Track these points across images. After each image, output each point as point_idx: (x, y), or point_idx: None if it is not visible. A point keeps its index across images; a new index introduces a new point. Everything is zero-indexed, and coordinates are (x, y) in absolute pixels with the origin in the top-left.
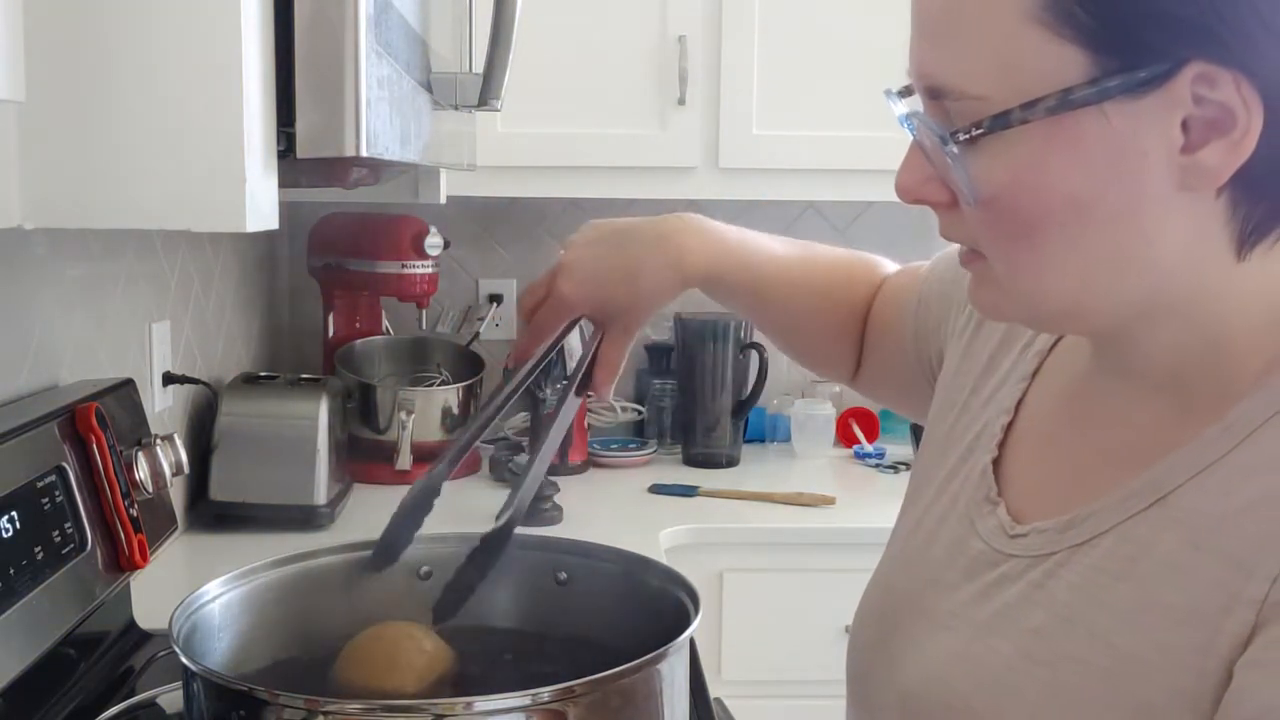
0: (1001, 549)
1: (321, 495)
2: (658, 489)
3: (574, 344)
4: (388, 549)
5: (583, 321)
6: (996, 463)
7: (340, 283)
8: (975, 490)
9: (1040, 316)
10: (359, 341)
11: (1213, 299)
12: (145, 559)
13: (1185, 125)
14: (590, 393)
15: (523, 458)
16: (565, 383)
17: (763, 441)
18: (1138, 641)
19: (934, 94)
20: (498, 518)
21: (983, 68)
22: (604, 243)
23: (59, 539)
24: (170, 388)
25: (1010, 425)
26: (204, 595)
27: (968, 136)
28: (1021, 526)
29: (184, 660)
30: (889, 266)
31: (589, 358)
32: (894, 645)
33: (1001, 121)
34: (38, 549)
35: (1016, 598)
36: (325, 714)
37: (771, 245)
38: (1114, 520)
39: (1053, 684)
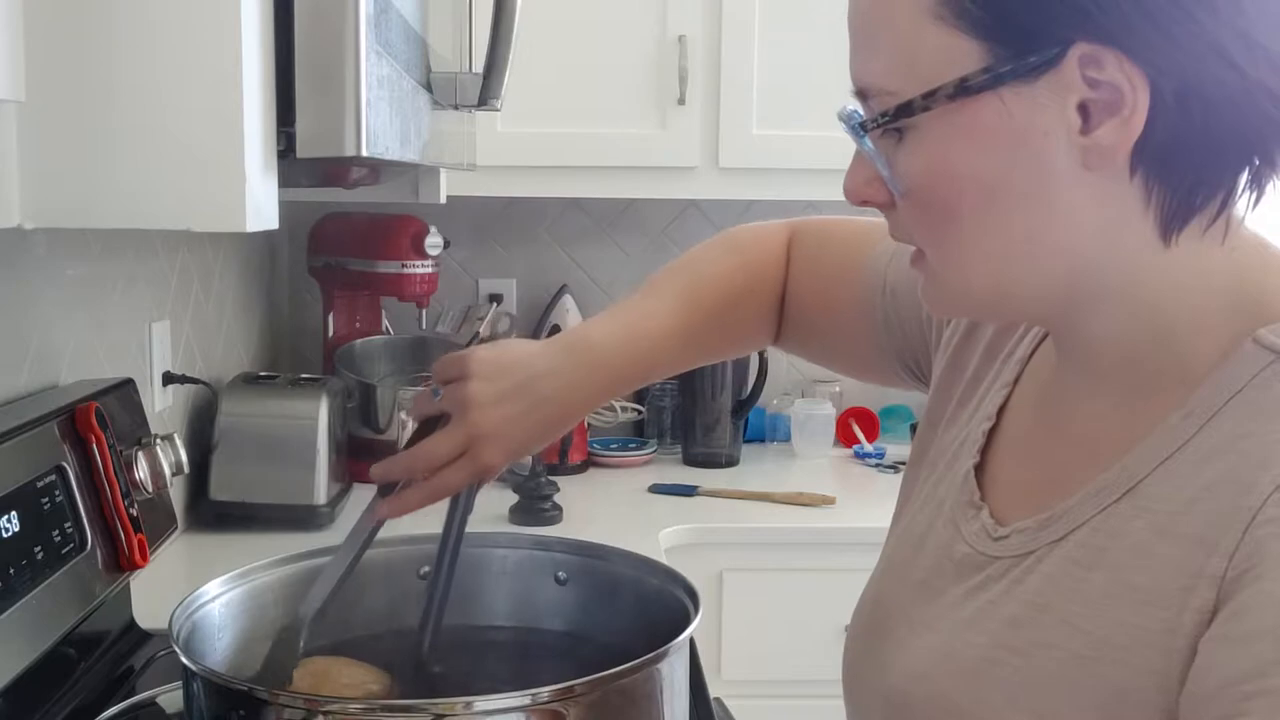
0: (985, 551)
1: (321, 495)
2: (658, 489)
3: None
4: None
5: None
6: (979, 468)
7: (340, 283)
8: (959, 495)
9: (973, 305)
10: (359, 341)
11: (1147, 285)
12: (145, 559)
13: (1085, 108)
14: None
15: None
16: (446, 548)
17: (763, 441)
18: (1108, 625)
19: (862, 96)
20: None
21: (893, 65)
22: (513, 402)
23: (59, 539)
24: (170, 387)
25: (993, 431)
26: (204, 595)
27: (876, 126)
28: (1004, 528)
29: (184, 660)
30: (772, 230)
31: (467, 512)
32: (882, 649)
33: (905, 110)
34: (38, 549)
35: (997, 595)
36: (325, 714)
37: (661, 318)
38: (1089, 514)
39: (1028, 671)
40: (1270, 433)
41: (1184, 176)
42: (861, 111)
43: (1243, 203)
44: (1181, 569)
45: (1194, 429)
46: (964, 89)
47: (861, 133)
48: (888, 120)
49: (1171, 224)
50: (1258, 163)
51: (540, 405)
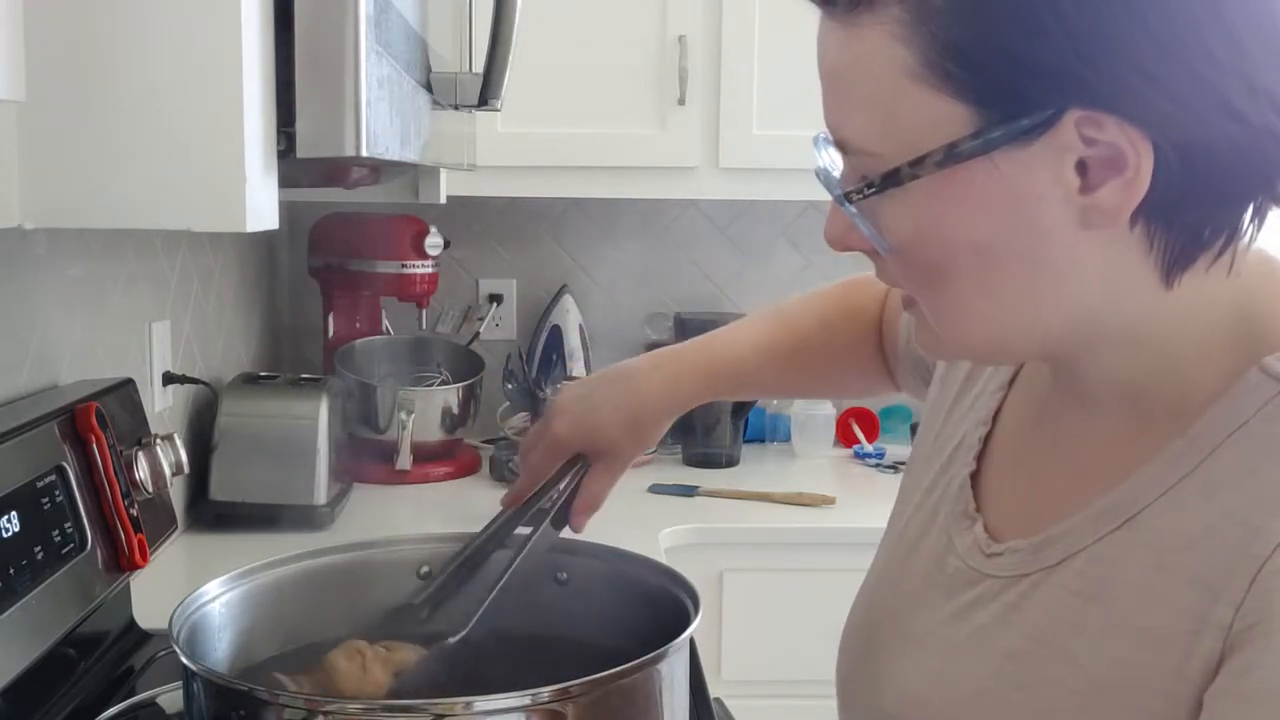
0: (978, 568)
1: (321, 495)
2: (658, 489)
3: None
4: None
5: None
6: (975, 475)
7: (340, 283)
8: (954, 504)
9: (971, 353)
10: (359, 341)
11: (1149, 325)
12: (145, 559)
13: (1083, 166)
14: (568, 526)
15: None
16: (542, 511)
17: (763, 441)
18: (1107, 664)
19: (840, 147)
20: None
21: (872, 125)
22: (593, 381)
23: (59, 539)
24: (170, 388)
25: (988, 436)
26: (204, 595)
27: (861, 196)
28: (997, 545)
29: (184, 660)
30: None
31: (570, 490)
32: (874, 663)
33: (892, 180)
34: (38, 549)
35: (991, 619)
36: (325, 714)
37: (757, 333)
38: (1086, 541)
39: (1026, 707)
40: (1278, 474)
41: (1187, 224)
42: (830, 163)
43: (1245, 235)
44: (1185, 611)
45: (1197, 460)
46: (954, 155)
47: (845, 202)
48: (873, 191)
49: (1174, 268)
50: (1261, 199)
51: (613, 384)
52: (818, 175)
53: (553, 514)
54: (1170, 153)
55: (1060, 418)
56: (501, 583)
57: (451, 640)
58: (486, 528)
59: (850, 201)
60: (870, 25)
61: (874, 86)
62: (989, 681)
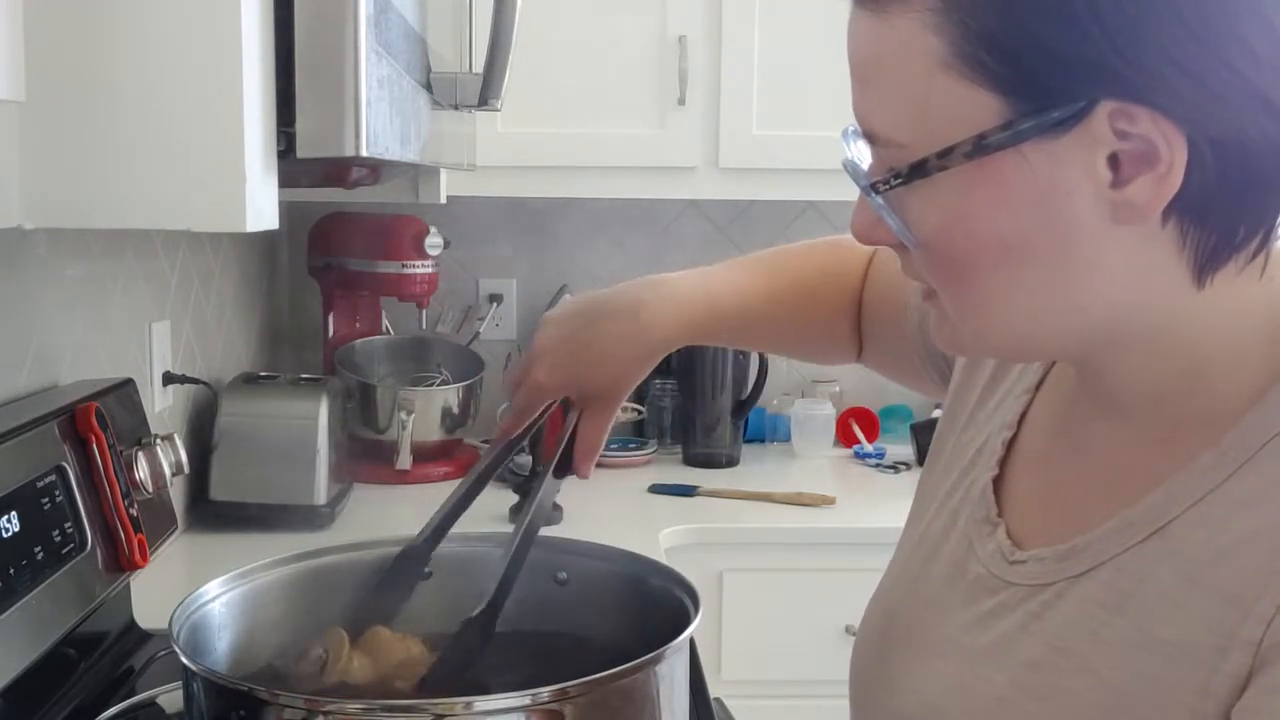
0: (1000, 575)
1: (321, 495)
2: (658, 489)
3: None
4: (376, 614)
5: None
6: (998, 480)
7: (340, 283)
8: (975, 508)
9: (994, 350)
10: (359, 341)
11: (1178, 327)
12: (145, 559)
13: (1115, 160)
14: (571, 474)
15: (524, 458)
16: (543, 466)
17: (763, 441)
18: (1131, 677)
19: (868, 138)
20: (480, 604)
21: (901, 115)
22: (573, 321)
23: (59, 539)
24: (170, 388)
25: (1013, 440)
26: (204, 595)
27: (888, 187)
28: (1021, 553)
29: (184, 660)
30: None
31: (567, 438)
32: (890, 667)
33: (919, 171)
34: (38, 549)
35: (1013, 628)
36: (325, 714)
37: (738, 280)
38: (1112, 551)
39: (1046, 717)
40: None
41: (1220, 222)
42: (858, 155)
43: None
44: (1213, 627)
45: (1228, 471)
46: (982, 146)
47: (871, 192)
48: (900, 181)
49: (1206, 268)
50: None
51: (591, 324)
52: (845, 167)
53: (554, 465)
54: (1205, 148)
55: (1086, 423)
56: (514, 547)
57: (475, 613)
58: (477, 466)
59: (877, 192)
60: (901, 14)
61: (903, 76)
62: (1008, 691)
